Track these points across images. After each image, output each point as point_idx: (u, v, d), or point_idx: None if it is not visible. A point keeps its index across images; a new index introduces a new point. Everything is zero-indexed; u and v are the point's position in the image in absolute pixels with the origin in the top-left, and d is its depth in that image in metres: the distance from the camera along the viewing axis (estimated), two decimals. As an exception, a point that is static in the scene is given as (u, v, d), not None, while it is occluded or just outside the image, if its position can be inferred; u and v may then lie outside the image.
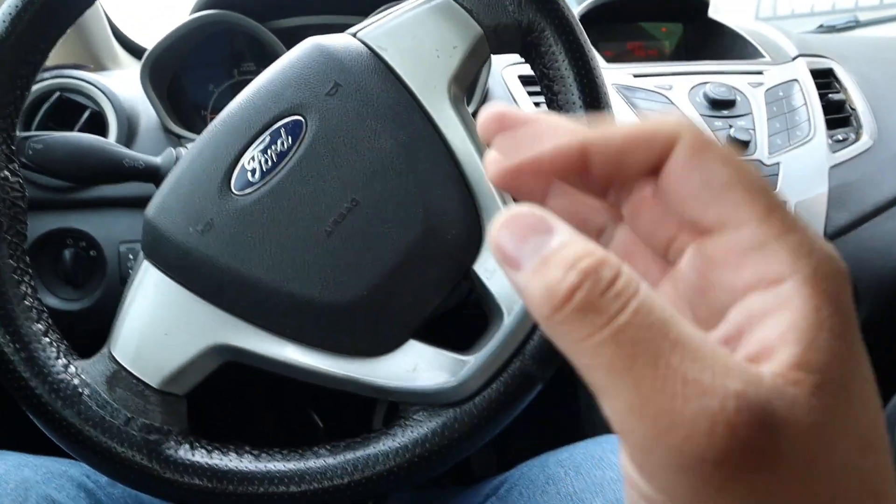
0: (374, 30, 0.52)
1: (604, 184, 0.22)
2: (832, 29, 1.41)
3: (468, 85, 0.53)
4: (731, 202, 0.18)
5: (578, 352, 0.17)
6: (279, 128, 0.48)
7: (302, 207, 0.47)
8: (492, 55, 0.53)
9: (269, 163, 0.48)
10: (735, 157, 0.19)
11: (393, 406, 0.99)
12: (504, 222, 0.19)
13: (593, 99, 0.50)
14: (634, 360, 0.16)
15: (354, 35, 0.52)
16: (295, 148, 0.48)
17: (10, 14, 0.47)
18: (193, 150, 0.49)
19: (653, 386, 0.16)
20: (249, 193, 0.47)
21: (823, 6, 4.07)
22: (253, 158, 0.48)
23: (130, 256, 0.73)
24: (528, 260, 0.18)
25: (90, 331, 0.72)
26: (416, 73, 0.50)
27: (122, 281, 0.73)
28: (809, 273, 0.17)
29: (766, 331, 0.18)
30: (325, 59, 0.50)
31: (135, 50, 1.13)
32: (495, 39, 0.51)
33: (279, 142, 0.48)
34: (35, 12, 0.48)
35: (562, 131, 0.21)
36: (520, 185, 0.22)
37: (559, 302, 0.17)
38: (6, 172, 0.48)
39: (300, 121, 0.48)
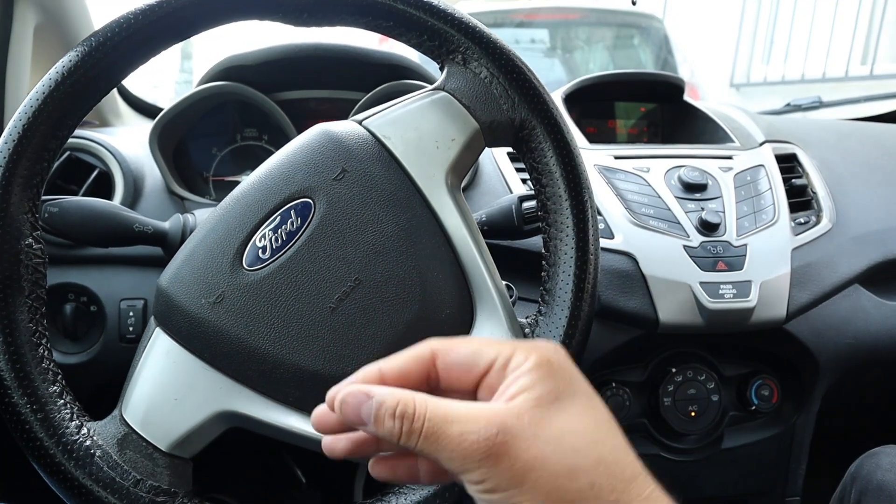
0: (378, 118, 0.56)
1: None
2: (798, 108, 1.50)
3: (464, 174, 0.57)
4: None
5: (418, 450, 0.33)
6: (289, 209, 0.52)
7: (308, 284, 0.51)
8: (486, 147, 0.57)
9: (279, 241, 0.52)
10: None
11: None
12: (341, 400, 0.34)
13: (577, 193, 0.55)
14: (437, 437, 0.32)
15: (360, 123, 0.56)
16: (303, 228, 0.52)
17: (42, 93, 0.51)
18: (207, 224, 0.53)
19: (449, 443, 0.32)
20: (259, 269, 0.51)
21: (793, 75, 4.27)
22: (264, 236, 0.52)
23: (131, 314, 0.76)
24: (369, 420, 0.34)
25: (89, 385, 0.75)
26: (417, 162, 0.54)
27: (121, 337, 0.76)
28: (533, 361, 0.34)
29: (513, 387, 0.34)
30: (333, 146, 0.54)
31: (137, 105, 1.17)
32: (490, 134, 0.56)
33: (289, 222, 0.52)
34: (65, 91, 0.51)
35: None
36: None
37: (397, 435, 0.33)
38: (31, 240, 0.51)
39: (309, 203, 0.52)
